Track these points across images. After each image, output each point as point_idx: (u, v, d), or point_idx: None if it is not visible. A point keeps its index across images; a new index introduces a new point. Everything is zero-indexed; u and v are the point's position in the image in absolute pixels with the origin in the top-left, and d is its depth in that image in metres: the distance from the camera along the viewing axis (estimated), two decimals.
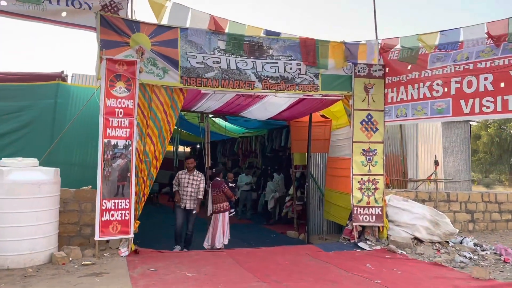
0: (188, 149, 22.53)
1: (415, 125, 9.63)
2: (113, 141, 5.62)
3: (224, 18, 6.16)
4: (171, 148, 19.06)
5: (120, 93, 5.66)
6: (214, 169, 8.46)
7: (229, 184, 7.87)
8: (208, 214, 7.37)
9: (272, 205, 11.42)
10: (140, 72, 5.74)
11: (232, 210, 7.81)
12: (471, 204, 8.44)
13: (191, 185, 7.00)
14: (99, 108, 5.59)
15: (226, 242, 7.09)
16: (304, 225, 10.27)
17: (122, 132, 5.66)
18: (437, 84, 6.15)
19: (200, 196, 7.09)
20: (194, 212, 7.02)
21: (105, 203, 5.53)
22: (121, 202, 5.59)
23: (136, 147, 5.72)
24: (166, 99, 5.97)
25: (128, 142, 5.68)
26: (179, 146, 20.90)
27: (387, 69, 6.96)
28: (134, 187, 5.67)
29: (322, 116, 9.65)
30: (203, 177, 7.18)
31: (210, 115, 10.73)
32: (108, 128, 5.59)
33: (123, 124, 5.66)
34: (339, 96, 6.91)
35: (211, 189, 7.42)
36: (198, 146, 19.14)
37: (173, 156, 16.73)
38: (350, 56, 6.73)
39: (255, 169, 14.81)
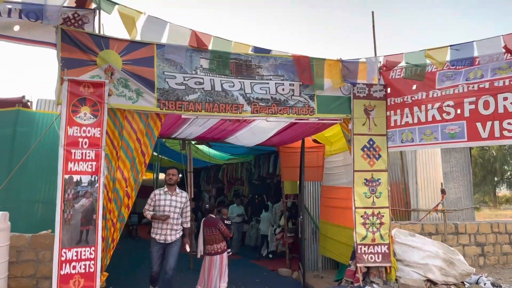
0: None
1: (413, 151, 8.96)
2: (75, 177, 4.71)
3: (207, 33, 5.40)
4: (151, 176, 18.06)
5: (84, 120, 4.79)
6: (207, 205, 7.56)
7: (225, 222, 7.00)
8: (199, 255, 6.44)
9: (273, 240, 10.47)
10: (109, 95, 4.90)
11: (229, 250, 6.92)
12: (481, 236, 7.72)
13: (173, 208, 5.46)
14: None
15: (223, 287, 6.18)
16: (297, 260, 9.39)
17: (87, 166, 4.76)
18: (448, 106, 5.47)
19: (188, 224, 5.75)
20: (187, 248, 5.69)
21: (65, 252, 4.57)
22: (84, 251, 4.64)
23: (104, 184, 4.82)
24: (140, 126, 5.12)
25: (94, 177, 4.77)
26: (161, 173, 20.01)
27: (388, 89, 6.28)
28: (101, 232, 4.74)
29: (314, 141, 8.91)
30: (187, 198, 5.78)
31: (193, 142, 9.91)
32: (69, 162, 4.69)
33: (88, 156, 4.77)
34: (337, 120, 6.17)
35: (204, 228, 6.50)
36: (180, 175, 18.21)
37: (153, 184, 15.73)
38: (348, 76, 6.03)
39: (242, 197, 13.96)
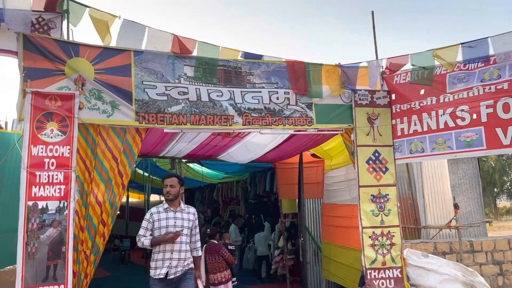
0: (163, 198, 20.80)
1: (418, 163, 8.38)
2: (41, 204, 4.07)
3: (191, 38, 4.85)
4: (142, 198, 17.34)
5: (51, 137, 4.18)
6: (208, 230, 6.91)
7: (229, 247, 6.35)
8: (201, 287, 5.64)
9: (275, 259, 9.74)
10: (80, 108, 4.31)
11: (234, 279, 6.26)
12: (498, 253, 7.08)
13: (180, 229, 4.33)
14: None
15: None
16: (298, 284, 8.71)
17: (55, 191, 4.12)
18: (463, 110, 4.90)
19: (199, 252, 4.60)
20: (201, 284, 4.61)
21: None
22: None
23: (75, 210, 4.18)
24: (116, 142, 4.51)
25: (63, 203, 4.13)
26: (152, 195, 19.32)
27: (393, 95, 5.73)
28: (72, 267, 4.07)
29: (313, 155, 8.33)
30: (196, 214, 4.62)
31: (184, 160, 9.30)
32: (33, 186, 4.06)
33: (56, 179, 4.14)
34: (338, 130, 5.60)
35: (206, 256, 5.87)
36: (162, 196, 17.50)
37: (144, 207, 15.03)
38: (348, 82, 5.48)
39: (238, 217, 13.29)
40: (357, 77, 5.53)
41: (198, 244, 4.62)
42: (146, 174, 13.48)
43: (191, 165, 10.55)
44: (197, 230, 4.63)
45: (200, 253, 4.67)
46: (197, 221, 4.63)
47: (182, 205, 4.58)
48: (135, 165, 12.97)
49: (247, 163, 8.99)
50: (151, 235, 4.39)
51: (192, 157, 8.44)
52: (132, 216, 17.52)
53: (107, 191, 4.42)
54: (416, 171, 8.30)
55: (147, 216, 4.45)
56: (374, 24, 5.61)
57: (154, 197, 20.08)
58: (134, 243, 17.09)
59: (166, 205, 4.50)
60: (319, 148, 7.47)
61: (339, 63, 5.52)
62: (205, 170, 11.30)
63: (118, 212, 16.41)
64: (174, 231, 4.29)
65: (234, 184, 13.63)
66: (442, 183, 8.79)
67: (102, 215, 4.37)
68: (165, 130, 4.75)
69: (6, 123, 7.33)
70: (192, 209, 4.62)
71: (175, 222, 4.38)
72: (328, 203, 7.95)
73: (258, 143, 6.88)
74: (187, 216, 4.49)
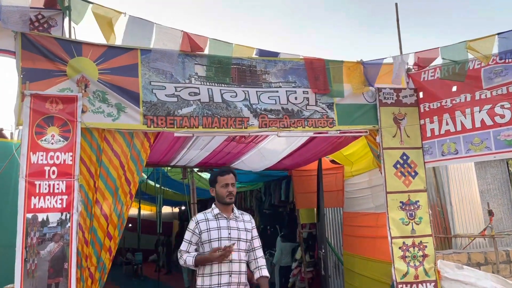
0: (176, 210, 20.44)
1: (444, 167, 7.88)
2: (41, 216, 3.72)
3: (202, 35, 4.51)
4: (154, 210, 16.99)
5: (52, 143, 3.84)
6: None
7: None
8: None
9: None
10: (83, 112, 3.97)
11: None
12: None
13: (237, 241, 3.46)
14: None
15: None
16: None
17: (56, 202, 3.77)
18: (502, 107, 4.45)
19: (266, 272, 3.62)
20: None
21: None
22: None
23: (78, 223, 3.82)
24: (123, 148, 4.15)
25: (65, 215, 3.78)
26: (165, 207, 18.99)
27: (420, 93, 5.29)
28: (75, 285, 3.69)
29: (332, 161, 7.89)
30: (254, 223, 3.75)
31: (195, 169, 8.94)
32: (33, 197, 3.71)
33: (58, 188, 3.79)
34: (361, 132, 5.17)
35: None
36: (183, 207, 17.09)
37: (156, 219, 14.70)
38: (372, 79, 5.07)
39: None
40: (381, 74, 5.13)
41: (262, 261, 3.63)
42: (157, 185, 13.18)
43: (203, 174, 10.19)
44: (259, 242, 3.67)
45: (266, 273, 3.62)
46: (255, 231, 3.70)
47: (236, 210, 3.64)
48: (146, 176, 12.67)
49: (261, 171, 8.59)
50: (196, 250, 3.51)
51: (205, 165, 8.08)
52: (144, 228, 17.20)
53: (114, 201, 4.05)
54: (443, 175, 7.80)
55: (191, 225, 3.55)
56: (398, 17, 5.22)
57: (166, 209, 19.75)
58: (146, 256, 16.78)
59: (216, 210, 3.58)
60: (339, 153, 7.04)
61: (361, 60, 5.12)
62: None
63: (130, 225, 16.05)
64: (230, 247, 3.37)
65: (248, 194, 13.22)
66: (470, 188, 8.26)
67: (108, 227, 4.00)
68: (176, 134, 4.38)
69: (11, 134, 7.06)
70: (248, 216, 3.73)
71: (229, 233, 3.45)
72: (349, 212, 7.49)
73: (273, 149, 6.49)
74: (243, 225, 3.57)
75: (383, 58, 5.09)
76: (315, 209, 8.61)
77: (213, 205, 3.65)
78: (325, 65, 4.97)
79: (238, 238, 3.49)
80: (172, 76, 4.37)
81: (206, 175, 10.22)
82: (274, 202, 11.08)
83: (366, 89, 5.13)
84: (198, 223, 3.53)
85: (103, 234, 3.98)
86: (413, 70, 5.37)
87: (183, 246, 3.54)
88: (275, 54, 4.86)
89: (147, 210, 20.14)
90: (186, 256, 3.49)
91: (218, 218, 3.55)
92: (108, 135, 4.10)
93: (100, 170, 4.05)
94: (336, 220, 8.50)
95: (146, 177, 12.90)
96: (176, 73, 4.38)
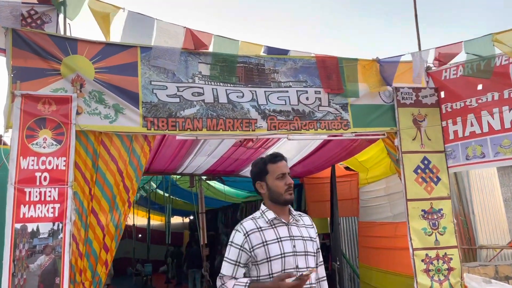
0: (187, 220, 20.14)
1: (465, 173, 7.44)
2: (31, 226, 3.43)
3: (206, 32, 4.22)
4: (164, 220, 16.71)
5: (44, 147, 3.56)
6: None
7: None
8: None
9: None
10: (78, 113, 3.69)
11: None
12: None
13: (304, 255, 2.46)
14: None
15: None
16: None
17: (47, 210, 3.48)
18: None
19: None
20: None
21: None
22: None
23: (71, 233, 3.51)
24: (122, 152, 3.86)
25: (58, 225, 3.48)
26: (174, 217, 18.69)
27: (442, 93, 4.92)
28: None
29: (346, 168, 7.52)
30: (315, 226, 2.74)
31: (203, 177, 8.64)
32: (22, 205, 3.42)
33: (49, 196, 3.50)
34: (378, 135, 4.81)
35: None
36: (191, 217, 16.79)
37: (165, 229, 14.42)
38: (389, 78, 4.72)
39: None
40: (399, 72, 4.78)
41: (325, 284, 2.73)
42: (166, 194, 12.90)
43: (211, 183, 9.88)
44: (320, 253, 2.73)
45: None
46: (318, 239, 2.75)
47: (294, 212, 2.66)
48: (156, 186, 12.40)
49: None
50: (244, 274, 2.46)
51: (212, 173, 7.77)
52: (154, 239, 16.92)
53: (111, 209, 3.74)
54: (464, 182, 7.35)
55: (238, 238, 2.48)
56: (416, 10, 4.87)
57: (176, 219, 19.44)
58: (156, 267, 16.44)
59: (270, 214, 2.54)
60: (353, 159, 6.67)
61: (376, 58, 4.78)
62: (226, 188, 10.61)
63: (140, 236, 15.78)
64: (295, 262, 2.42)
65: (259, 204, 12.83)
66: (493, 197, 7.79)
67: (104, 238, 3.68)
68: (178, 137, 4.08)
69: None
70: (308, 218, 2.75)
71: (294, 246, 2.46)
72: (365, 221, 7.09)
73: (284, 154, 6.15)
74: (306, 232, 2.58)
75: (401, 55, 4.75)
76: (328, 218, 8.23)
77: (263, 207, 2.61)
78: (338, 63, 4.64)
79: (305, 252, 2.48)
80: (174, 75, 4.08)
81: (214, 184, 9.92)
82: None
83: (383, 88, 4.78)
84: (248, 236, 2.44)
85: (99, 246, 3.67)
86: (433, 68, 5.00)
87: (226, 269, 2.45)
88: (285, 52, 4.55)
89: (157, 220, 19.88)
90: (233, 285, 2.40)
91: (275, 225, 2.51)
92: (105, 139, 3.81)
93: (96, 176, 3.75)
94: (351, 230, 8.09)
95: (155, 186, 12.65)
96: (178, 72, 4.09)
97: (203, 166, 7.09)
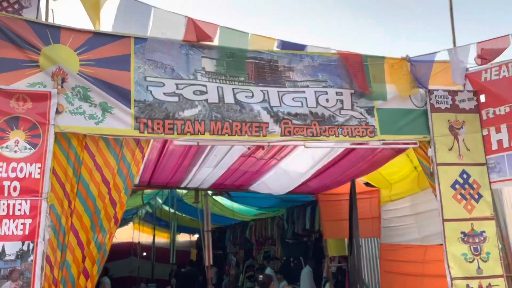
0: (194, 237, 19.43)
1: (499, 189, 6.67)
2: None
3: (212, 23, 3.67)
4: (168, 237, 16.06)
5: (16, 151, 3.00)
6: (260, 277, 5.79)
7: None
8: None
9: None
10: (58, 112, 3.15)
11: None
12: None
13: None
14: None
15: None
16: None
17: (16, 227, 2.90)
18: None
19: None
20: None
21: None
22: None
23: (45, 255, 2.91)
24: (109, 159, 3.28)
25: (28, 245, 2.89)
26: (182, 234, 18.03)
27: (482, 96, 4.28)
28: None
29: (366, 184, 6.84)
30: None
31: (209, 192, 8.02)
32: None
33: (19, 210, 2.92)
34: (409, 144, 4.17)
35: None
36: (196, 235, 16.12)
37: (170, 247, 13.75)
38: (422, 79, 4.11)
39: (274, 260, 11.72)
40: (433, 73, 4.16)
41: None
42: (172, 210, 12.29)
43: (218, 199, 9.25)
44: None
45: None
46: None
47: None
48: (162, 201, 11.80)
49: (283, 196, 7.61)
50: None
51: (219, 187, 7.16)
52: (159, 257, 16.26)
53: (94, 227, 3.14)
54: (502, 200, 6.60)
55: None
56: (451, 4, 4.27)
57: (183, 237, 18.78)
58: (160, 287, 15.68)
59: None
60: (375, 173, 6.00)
61: (407, 56, 4.18)
62: (235, 205, 9.97)
63: (145, 254, 15.08)
64: None
65: (269, 222, 12.16)
66: None
67: (84, 262, 3.07)
68: (175, 143, 3.51)
69: None
70: None
71: None
72: (388, 243, 6.37)
73: (298, 166, 5.52)
74: None
75: (435, 53, 4.14)
76: (346, 239, 7.53)
77: None
78: (363, 61, 4.04)
79: None
80: (173, 70, 3.52)
81: (221, 200, 9.30)
82: (297, 230, 10.01)
83: (414, 91, 4.16)
84: None
85: (78, 270, 3.06)
86: (470, 69, 4.38)
87: None
88: (302, 47, 3.97)
89: (163, 238, 19.23)
90: None
91: None
92: (90, 143, 3.24)
93: (78, 188, 3.17)
94: (371, 253, 7.37)
95: (161, 201, 12.07)
96: (178, 67, 3.53)
97: (208, 179, 6.48)
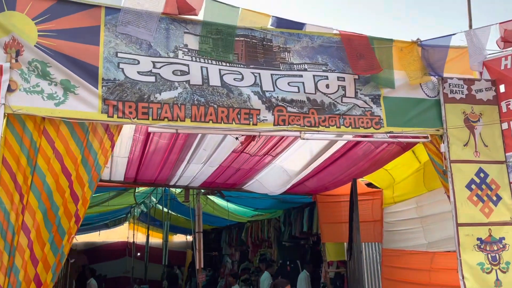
0: (190, 238, 18.95)
1: None
2: None
3: None
4: (160, 237, 15.61)
5: None
6: (275, 282, 5.54)
7: None
8: None
9: None
10: (11, 90, 2.68)
11: None
12: None
13: None
14: None
15: None
16: None
17: None
18: None
19: None
20: None
21: None
22: None
23: None
24: (71, 147, 2.81)
25: None
26: (178, 235, 17.58)
27: (501, 86, 3.81)
28: None
29: (368, 185, 6.38)
30: None
31: (202, 190, 7.55)
32: None
33: None
34: (419, 137, 3.70)
35: None
36: (188, 236, 15.65)
37: (162, 247, 13.30)
38: (435, 66, 3.64)
39: (270, 262, 11.27)
40: (447, 59, 3.69)
41: None
42: (165, 210, 11.82)
43: (212, 198, 8.79)
44: None
45: None
46: None
47: None
48: (156, 200, 11.31)
49: (280, 197, 7.15)
50: None
51: (211, 186, 6.68)
52: (152, 257, 15.81)
53: (49, 226, 2.67)
54: None
55: None
56: None
57: (179, 237, 18.33)
58: None
59: None
60: (377, 172, 5.54)
61: (417, 39, 3.71)
62: (230, 206, 9.50)
63: (139, 254, 14.68)
64: None
65: (265, 224, 11.71)
66: None
67: (37, 268, 2.60)
68: (150, 129, 3.05)
69: None
70: None
71: None
72: (390, 249, 5.91)
73: (294, 163, 5.06)
74: None
75: (450, 35, 3.67)
76: (345, 243, 7.06)
77: None
78: (369, 43, 3.57)
79: None
80: (150, 47, 3.05)
81: (215, 199, 8.83)
82: (295, 233, 9.56)
83: (426, 79, 3.69)
84: None
85: (28, 277, 2.58)
86: (487, 55, 3.90)
87: None
88: (299, 26, 3.50)
89: (159, 238, 18.78)
90: None
91: None
92: (49, 127, 2.76)
93: (33, 179, 2.69)
94: (372, 259, 6.90)
95: (156, 200, 11.61)
96: (156, 43, 3.06)
97: (199, 177, 6.02)
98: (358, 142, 4.51)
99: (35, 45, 2.74)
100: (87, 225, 13.73)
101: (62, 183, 2.74)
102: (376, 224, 6.27)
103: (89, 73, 2.82)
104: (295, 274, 8.96)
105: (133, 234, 15.56)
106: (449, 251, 4.68)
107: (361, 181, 6.30)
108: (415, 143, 3.98)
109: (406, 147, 4.29)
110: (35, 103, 2.71)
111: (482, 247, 3.52)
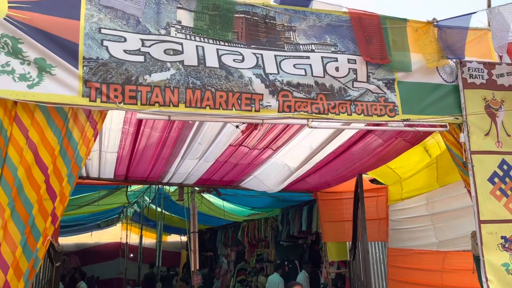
0: (185, 238, 18.58)
1: None
2: None
3: None
4: (154, 238, 15.25)
5: None
6: (287, 285, 5.34)
7: None
8: None
9: None
10: None
11: None
12: None
13: None
14: None
15: None
16: None
17: None
18: None
19: None
20: None
21: None
22: None
23: None
24: (48, 136, 2.44)
25: None
26: (173, 235, 17.22)
27: None
28: None
29: (372, 181, 6.06)
30: None
31: (196, 188, 7.21)
32: None
33: None
34: (436, 126, 3.38)
35: None
36: (182, 237, 15.30)
37: (156, 247, 12.94)
38: (453, 48, 3.32)
39: (266, 263, 10.97)
40: (467, 41, 3.37)
41: None
42: (159, 209, 11.44)
43: (207, 197, 8.44)
44: None
45: None
46: None
47: None
48: (149, 200, 10.93)
49: (278, 194, 6.82)
50: None
51: (207, 183, 6.33)
52: (147, 258, 15.47)
53: (22, 227, 2.30)
54: None
55: None
56: None
57: (174, 238, 17.96)
58: None
59: None
60: (384, 167, 5.22)
61: (433, 19, 3.38)
62: (226, 204, 9.16)
63: (132, 255, 14.40)
64: None
65: (262, 223, 11.40)
66: None
67: (7, 275, 2.23)
68: (139, 116, 2.68)
69: None
70: None
71: None
72: (397, 248, 5.61)
73: (295, 158, 4.72)
74: None
75: (469, 14, 3.34)
76: (347, 242, 6.76)
77: None
78: (381, 23, 3.24)
79: None
80: (139, 23, 2.69)
81: (210, 198, 8.48)
82: (293, 232, 9.26)
83: (443, 62, 3.36)
84: None
85: None
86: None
87: None
88: (306, 3, 3.16)
89: (153, 239, 18.42)
90: None
91: None
92: (22, 113, 2.40)
93: (3, 173, 2.33)
94: (376, 258, 6.58)
95: (149, 200, 11.24)
96: (145, 19, 2.70)
97: (194, 173, 5.67)
98: (364, 136, 4.20)
99: (4, 18, 2.37)
100: (78, 226, 13.36)
101: (36, 177, 2.37)
102: (381, 222, 5.97)
103: (67, 51, 2.46)
104: (294, 274, 8.66)
105: (126, 235, 15.22)
106: (462, 251, 4.39)
107: (365, 177, 5.99)
108: (423, 138, 3.66)
109: (414, 142, 3.98)
110: (4, 84, 2.34)
111: (506, 246, 3.20)
